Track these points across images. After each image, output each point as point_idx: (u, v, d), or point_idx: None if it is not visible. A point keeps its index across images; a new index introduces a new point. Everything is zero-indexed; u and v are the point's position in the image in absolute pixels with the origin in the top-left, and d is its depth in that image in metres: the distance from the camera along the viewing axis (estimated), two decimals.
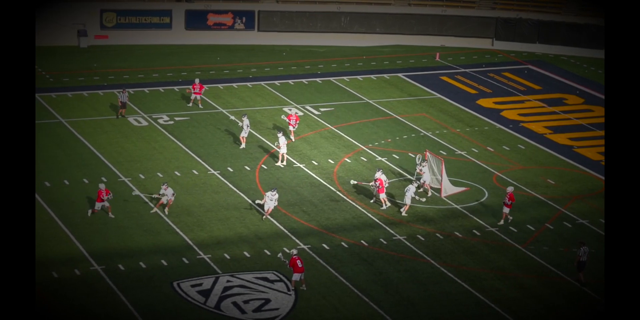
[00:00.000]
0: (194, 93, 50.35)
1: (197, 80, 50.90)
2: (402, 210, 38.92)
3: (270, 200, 37.73)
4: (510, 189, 38.62)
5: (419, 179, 40.56)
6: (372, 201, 39.90)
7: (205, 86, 51.26)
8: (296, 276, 32.81)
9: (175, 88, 53.66)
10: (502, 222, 38.34)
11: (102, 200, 37.55)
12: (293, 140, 45.77)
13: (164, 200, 38.12)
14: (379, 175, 39.43)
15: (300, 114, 46.76)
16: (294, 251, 33.25)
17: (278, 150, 43.59)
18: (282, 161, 43.47)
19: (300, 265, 32.68)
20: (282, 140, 43.27)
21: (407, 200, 38.79)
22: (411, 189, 38.74)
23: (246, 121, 45.04)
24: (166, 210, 38.17)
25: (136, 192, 38.98)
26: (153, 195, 38.68)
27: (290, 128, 46.14)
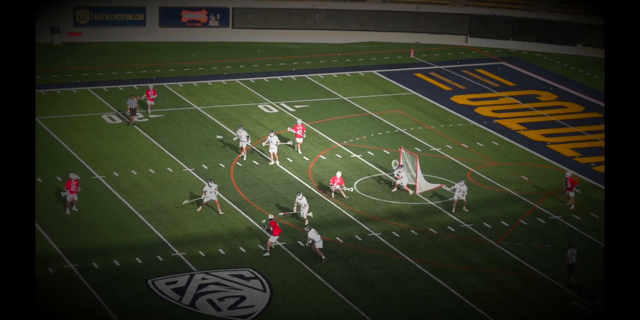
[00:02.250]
0: (149, 99, 48.79)
1: (151, 86, 49.56)
2: (464, 207, 39.26)
3: (320, 240, 35.19)
4: (568, 174, 39.73)
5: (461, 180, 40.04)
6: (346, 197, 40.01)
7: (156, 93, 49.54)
8: (273, 239, 34.25)
9: (149, 85, 53.41)
10: (572, 206, 39.60)
11: (75, 192, 37.49)
12: (300, 151, 44.36)
13: (206, 200, 37.87)
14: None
15: (300, 122, 45.06)
16: (271, 216, 35.35)
17: (254, 147, 43.54)
18: (275, 160, 43.28)
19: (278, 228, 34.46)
20: (275, 139, 43.03)
21: (456, 196, 38.96)
22: (458, 188, 38.85)
23: (244, 132, 43.52)
24: (219, 210, 38.07)
25: (186, 201, 38.47)
26: (201, 198, 38.22)
27: (298, 139, 44.44)
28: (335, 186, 39.77)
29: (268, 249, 35.11)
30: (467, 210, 39.24)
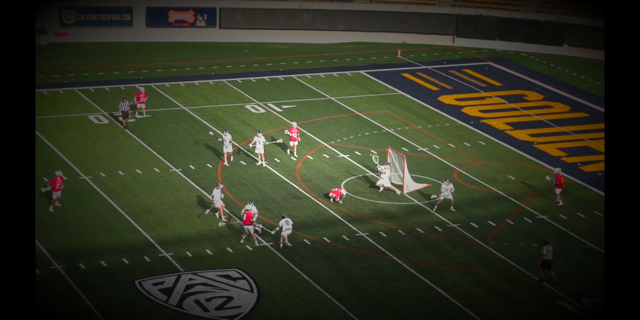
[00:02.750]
0: (139, 103, 48.22)
1: (142, 89, 49.07)
2: (451, 207, 39.29)
3: (288, 229, 35.68)
4: (557, 170, 40.42)
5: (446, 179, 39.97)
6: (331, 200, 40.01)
7: (147, 95, 49.09)
8: (246, 228, 35.47)
9: (137, 86, 53.40)
10: (560, 203, 40.16)
11: (58, 190, 37.52)
12: (296, 156, 43.93)
13: (217, 204, 37.63)
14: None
15: (296, 125, 44.59)
16: (249, 206, 35.75)
17: (250, 147, 43.47)
18: (262, 160, 43.22)
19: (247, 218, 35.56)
20: (261, 139, 42.92)
21: (442, 195, 39.05)
22: (444, 187, 38.91)
23: (229, 136, 42.98)
24: (218, 215, 37.68)
25: (207, 211, 37.83)
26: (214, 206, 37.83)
27: (292, 142, 43.89)
28: (337, 199, 39.68)
29: (254, 240, 35.81)
30: (454, 210, 39.33)
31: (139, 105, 48.53)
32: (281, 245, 35.61)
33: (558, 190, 40.30)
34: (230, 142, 43.24)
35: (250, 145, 43.83)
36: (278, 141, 44.68)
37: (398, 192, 40.80)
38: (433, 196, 40.33)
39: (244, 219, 35.70)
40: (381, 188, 40.94)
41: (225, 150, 43.31)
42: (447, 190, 39.04)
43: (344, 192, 39.93)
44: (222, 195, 37.90)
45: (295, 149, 44.31)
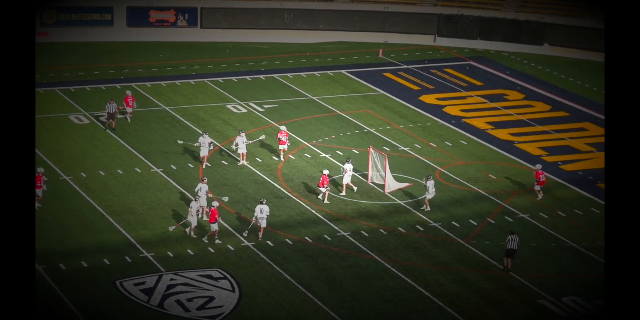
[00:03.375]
0: (128, 106, 47.60)
1: (129, 93, 48.39)
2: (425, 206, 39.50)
3: (262, 218, 35.97)
4: (538, 166, 40.96)
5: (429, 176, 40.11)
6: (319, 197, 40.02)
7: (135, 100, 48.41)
8: (213, 226, 35.61)
9: (117, 85, 53.29)
10: (540, 196, 40.76)
11: (41, 187, 37.47)
12: (280, 158, 43.91)
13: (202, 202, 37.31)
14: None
15: (285, 128, 44.29)
16: (216, 203, 36.09)
17: (233, 148, 43.38)
18: (243, 159, 43.19)
19: (214, 216, 35.59)
20: (244, 139, 42.83)
21: (427, 194, 39.29)
22: (430, 185, 39.14)
23: (208, 139, 42.49)
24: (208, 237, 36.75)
25: (172, 227, 36.88)
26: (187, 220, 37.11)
27: (282, 146, 43.52)
28: (323, 188, 39.58)
29: (209, 236, 36.00)
30: (429, 209, 39.28)
31: (128, 109, 48.10)
32: (259, 235, 35.93)
33: (538, 187, 40.53)
34: (210, 143, 43.00)
35: (233, 146, 43.74)
36: (261, 137, 44.66)
37: (355, 188, 40.70)
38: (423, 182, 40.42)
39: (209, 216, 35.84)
40: (355, 188, 40.87)
41: (202, 154, 42.96)
42: (430, 186, 39.13)
43: (326, 172, 39.72)
44: (207, 190, 37.68)
45: (282, 152, 44.12)
